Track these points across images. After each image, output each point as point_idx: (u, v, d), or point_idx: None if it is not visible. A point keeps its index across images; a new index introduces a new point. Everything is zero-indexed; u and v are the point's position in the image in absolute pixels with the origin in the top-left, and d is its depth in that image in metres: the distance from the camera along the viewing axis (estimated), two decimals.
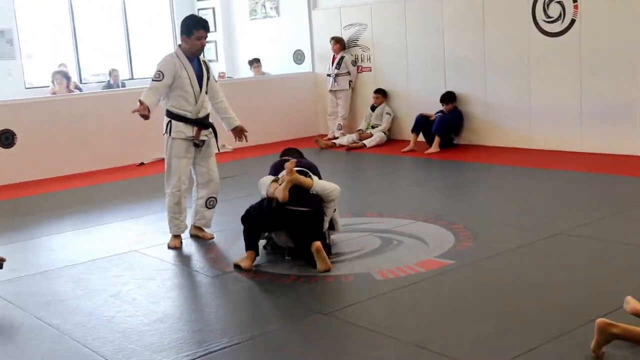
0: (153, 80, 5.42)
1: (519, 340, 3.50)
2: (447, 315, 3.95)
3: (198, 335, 3.85)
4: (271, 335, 3.80)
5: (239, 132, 5.84)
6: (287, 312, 4.15)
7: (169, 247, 5.57)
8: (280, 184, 4.95)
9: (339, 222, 5.34)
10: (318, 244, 4.75)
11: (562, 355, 3.34)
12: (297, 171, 5.01)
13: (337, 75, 10.78)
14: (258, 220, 5.01)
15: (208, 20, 5.70)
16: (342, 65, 10.75)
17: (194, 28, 5.46)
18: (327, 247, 4.96)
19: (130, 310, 4.28)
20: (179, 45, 5.57)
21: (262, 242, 5.24)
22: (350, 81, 10.78)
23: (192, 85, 5.49)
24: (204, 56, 5.73)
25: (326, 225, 5.10)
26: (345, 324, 3.85)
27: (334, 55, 10.84)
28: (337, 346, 3.62)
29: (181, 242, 5.64)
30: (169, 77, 5.41)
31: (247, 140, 5.91)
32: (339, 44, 10.78)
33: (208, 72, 5.66)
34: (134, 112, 5.31)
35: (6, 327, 4.14)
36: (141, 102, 5.30)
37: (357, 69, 10.85)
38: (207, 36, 5.54)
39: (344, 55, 10.76)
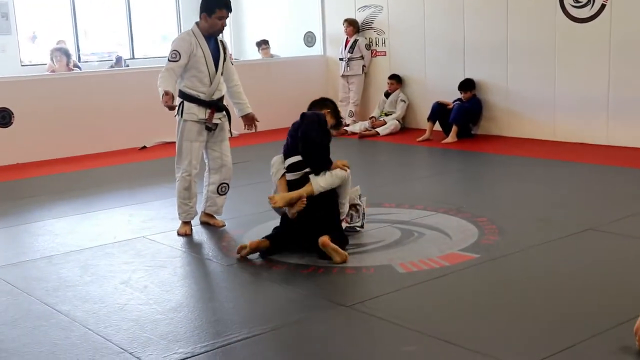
0: (169, 60, 5.18)
1: (551, 338, 3.36)
2: (474, 310, 3.80)
3: (215, 325, 3.68)
4: (293, 327, 3.64)
5: (250, 119, 5.64)
6: (308, 303, 3.97)
7: (179, 234, 5.37)
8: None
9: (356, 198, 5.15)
10: (323, 239, 4.53)
11: (597, 356, 3.17)
12: (297, 180, 4.79)
13: (349, 59, 10.49)
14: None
15: None
16: (356, 49, 10.46)
17: (217, 7, 5.22)
18: (342, 238, 4.76)
19: (142, 298, 4.09)
20: (197, 23, 5.33)
21: None
22: (363, 66, 10.50)
23: (207, 65, 5.27)
24: (222, 36, 5.49)
25: (346, 208, 4.96)
26: (369, 317, 3.71)
27: (347, 38, 10.54)
28: (362, 339, 3.49)
29: (191, 229, 5.44)
30: (185, 57, 5.19)
31: (256, 130, 5.68)
32: (352, 26, 10.48)
33: (225, 52, 5.43)
34: (164, 104, 5.08)
35: (14, 313, 3.96)
36: (166, 92, 5.06)
37: (372, 53, 10.58)
38: (228, 16, 5.32)
39: (358, 38, 10.47)
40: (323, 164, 4.82)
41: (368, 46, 10.53)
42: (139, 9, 13.04)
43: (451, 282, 4.21)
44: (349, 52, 10.49)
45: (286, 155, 4.94)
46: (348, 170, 4.88)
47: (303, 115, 4.99)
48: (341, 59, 10.65)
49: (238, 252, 4.74)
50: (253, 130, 5.70)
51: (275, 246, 4.75)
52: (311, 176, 4.78)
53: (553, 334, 3.43)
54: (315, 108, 5.08)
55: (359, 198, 5.20)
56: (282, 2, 12.03)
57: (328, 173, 4.80)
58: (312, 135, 4.82)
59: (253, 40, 12.13)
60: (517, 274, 4.33)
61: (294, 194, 4.72)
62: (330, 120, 5.01)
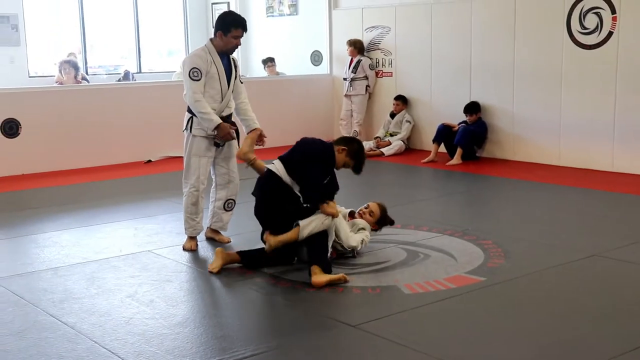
0: (192, 79, 5.18)
1: None
2: (480, 333, 3.80)
3: (221, 341, 3.68)
4: (299, 345, 3.64)
5: (259, 135, 5.62)
6: (314, 322, 3.97)
7: (184, 249, 5.37)
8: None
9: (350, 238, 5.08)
10: (315, 280, 4.49)
11: None
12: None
13: (352, 79, 10.54)
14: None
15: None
16: (359, 69, 10.50)
17: (233, 26, 5.26)
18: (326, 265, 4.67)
19: (148, 312, 4.08)
20: (211, 40, 5.35)
21: None
22: (367, 86, 10.53)
23: (220, 82, 5.29)
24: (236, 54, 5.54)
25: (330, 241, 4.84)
26: (374, 337, 3.70)
27: (351, 58, 10.61)
28: None
29: (197, 245, 5.44)
30: (204, 74, 5.22)
31: (263, 145, 5.68)
32: (354, 47, 10.50)
33: (236, 70, 5.46)
34: (225, 139, 5.31)
35: (20, 324, 3.95)
36: (219, 126, 5.22)
37: (378, 74, 10.61)
38: (243, 35, 5.36)
39: (361, 58, 10.51)
40: (314, 201, 4.77)
41: (372, 66, 10.56)
42: (147, 23, 13.12)
43: (457, 304, 4.21)
44: (352, 72, 10.54)
45: (283, 160, 4.96)
46: (334, 219, 4.80)
47: (311, 142, 5.06)
48: (345, 79, 10.70)
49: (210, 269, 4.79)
50: (261, 146, 5.70)
51: (247, 263, 4.86)
52: (301, 223, 4.69)
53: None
54: (340, 144, 5.02)
55: (362, 243, 5.11)
56: (290, 20, 12.10)
57: (316, 220, 4.71)
58: (312, 173, 4.83)
59: (259, 58, 12.18)
60: (523, 298, 4.32)
61: (285, 237, 4.69)
62: (344, 159, 4.95)
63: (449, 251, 5.22)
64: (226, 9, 12.83)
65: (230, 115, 5.47)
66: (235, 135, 5.46)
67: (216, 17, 5.52)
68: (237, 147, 5.60)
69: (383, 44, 10.50)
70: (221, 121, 5.22)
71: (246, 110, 5.58)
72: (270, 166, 4.95)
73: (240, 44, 5.40)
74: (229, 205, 5.59)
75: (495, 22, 9.11)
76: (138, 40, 12.97)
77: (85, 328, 3.84)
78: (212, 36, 5.37)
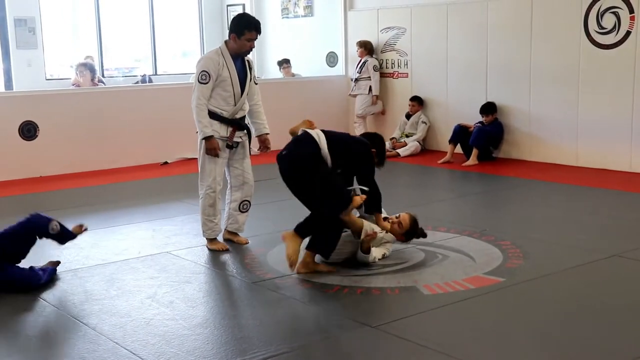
0: (200, 82, 5.19)
1: None
2: (500, 334, 3.80)
3: (242, 342, 3.69)
4: (319, 346, 3.66)
5: (263, 141, 5.68)
6: (333, 323, 3.96)
7: (211, 250, 5.37)
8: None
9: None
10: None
11: None
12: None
13: (357, 79, 10.59)
14: None
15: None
16: (364, 69, 10.52)
17: (246, 29, 5.26)
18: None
19: (168, 313, 4.10)
20: (225, 42, 5.36)
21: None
22: (370, 86, 10.55)
23: (233, 86, 5.29)
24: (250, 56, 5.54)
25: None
26: (394, 339, 3.70)
27: (359, 59, 10.65)
28: None
29: (223, 244, 5.45)
30: (213, 77, 5.22)
31: (267, 151, 5.74)
32: (363, 48, 10.54)
33: (251, 72, 5.46)
34: (209, 153, 5.28)
35: (43, 325, 4.00)
36: (209, 139, 5.20)
37: (393, 75, 10.58)
38: (257, 38, 5.36)
39: (368, 59, 10.53)
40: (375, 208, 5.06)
41: (376, 68, 10.54)
42: (162, 26, 13.18)
43: (476, 305, 4.20)
44: (357, 72, 10.59)
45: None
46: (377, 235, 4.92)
47: (363, 143, 5.05)
48: (352, 79, 10.78)
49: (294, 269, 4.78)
50: (266, 151, 5.72)
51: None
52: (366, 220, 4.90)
53: None
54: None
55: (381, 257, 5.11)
56: (305, 22, 12.11)
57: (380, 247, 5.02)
58: (371, 176, 5.02)
59: (275, 59, 12.19)
60: (542, 299, 4.30)
61: (352, 221, 4.83)
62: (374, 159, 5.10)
63: (467, 252, 5.21)
64: (241, 11, 12.87)
65: (244, 117, 5.48)
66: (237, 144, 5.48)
67: (231, 19, 5.51)
68: (250, 148, 5.60)
69: (398, 45, 10.49)
70: (211, 134, 5.20)
71: (259, 114, 5.58)
72: (311, 132, 4.97)
73: (254, 47, 5.39)
74: (244, 206, 5.59)
75: (512, 22, 9.07)
76: (154, 42, 13.02)
77: (106, 329, 3.87)
78: (227, 38, 5.37)
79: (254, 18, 5.48)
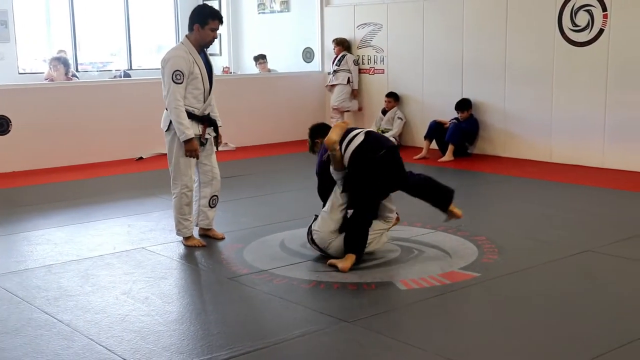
0: (175, 82, 5.08)
1: (552, 359, 3.38)
2: (475, 328, 3.83)
3: (218, 338, 3.67)
4: (295, 342, 3.64)
5: (219, 136, 5.58)
6: (310, 318, 3.96)
7: (188, 246, 5.32)
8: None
9: None
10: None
11: None
12: None
13: (335, 71, 10.66)
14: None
15: None
16: (343, 62, 10.59)
17: (210, 17, 5.19)
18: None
19: (144, 309, 4.07)
20: (187, 36, 5.25)
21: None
22: (349, 77, 10.58)
23: (203, 82, 5.23)
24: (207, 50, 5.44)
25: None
26: (371, 334, 3.71)
27: (336, 55, 10.69)
28: (365, 356, 3.50)
29: (200, 240, 5.42)
30: (186, 75, 5.13)
31: (217, 150, 5.60)
32: (340, 45, 10.63)
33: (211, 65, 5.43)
34: (190, 155, 5.20)
35: (15, 322, 3.93)
36: (190, 141, 5.12)
37: (369, 71, 10.63)
38: (219, 28, 5.30)
39: (346, 53, 10.62)
40: None
41: (356, 62, 10.63)
42: (137, 19, 13.05)
43: (452, 300, 4.24)
44: (336, 65, 10.65)
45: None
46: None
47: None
48: (329, 73, 10.84)
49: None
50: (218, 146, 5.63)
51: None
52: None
53: (552, 355, 3.44)
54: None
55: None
56: (282, 17, 12.08)
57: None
58: None
59: (251, 55, 12.15)
60: (517, 294, 4.34)
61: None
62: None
63: (443, 247, 5.24)
64: (217, 5, 12.80)
65: (209, 114, 5.39)
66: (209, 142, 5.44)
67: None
68: (214, 144, 5.53)
69: (375, 41, 10.51)
70: (193, 137, 5.14)
71: (214, 106, 5.48)
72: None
73: (216, 37, 5.32)
74: (213, 201, 5.55)
75: (487, 19, 9.13)
76: (129, 36, 12.89)
77: (80, 325, 3.83)
78: (188, 32, 5.26)
79: (214, 8, 5.41)
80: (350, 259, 4.73)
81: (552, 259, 4.91)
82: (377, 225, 4.99)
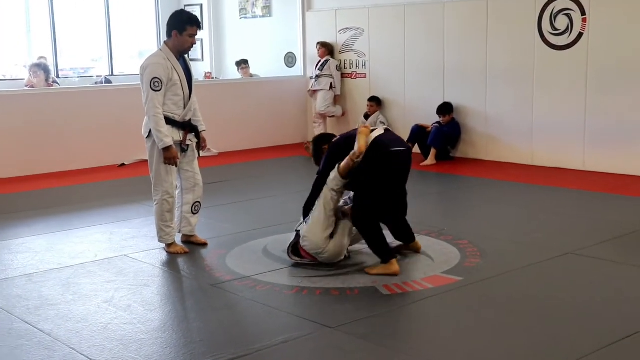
0: (153, 89, 5.05)
1: None
2: (459, 333, 3.84)
3: (201, 346, 3.66)
4: (278, 348, 3.63)
5: (203, 140, 5.56)
6: (293, 324, 3.96)
7: (170, 252, 5.30)
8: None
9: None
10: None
11: None
12: None
13: (318, 76, 10.66)
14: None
15: None
16: (326, 67, 10.61)
17: (188, 24, 5.17)
18: None
19: (126, 317, 4.05)
20: (165, 43, 5.24)
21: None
22: (331, 83, 10.60)
23: (182, 89, 5.21)
24: (188, 55, 5.42)
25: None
26: (354, 339, 3.71)
27: (319, 59, 10.70)
28: None
29: (183, 247, 5.40)
30: (165, 82, 5.10)
31: (199, 155, 5.58)
32: (325, 48, 10.65)
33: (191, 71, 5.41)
34: (169, 163, 5.17)
35: None
36: (169, 149, 5.09)
37: (351, 75, 10.65)
38: (197, 34, 5.28)
39: (329, 58, 10.63)
40: None
41: (339, 68, 10.65)
42: (118, 25, 13.00)
43: (435, 304, 4.24)
44: (319, 69, 10.66)
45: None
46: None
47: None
48: (311, 77, 10.83)
49: None
50: (203, 150, 5.61)
51: None
52: None
53: (535, 358, 3.46)
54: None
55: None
56: (264, 22, 12.08)
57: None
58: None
59: (233, 60, 12.13)
60: (499, 297, 4.36)
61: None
62: None
63: (426, 251, 5.24)
64: (199, 10, 12.79)
65: (190, 120, 5.38)
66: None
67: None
68: (196, 150, 5.51)
69: (357, 46, 10.53)
70: (172, 144, 5.12)
71: (196, 110, 5.46)
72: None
73: (195, 43, 5.30)
74: (195, 208, 5.53)
75: (468, 23, 9.18)
76: (110, 42, 12.83)
77: (62, 335, 3.80)
78: (166, 38, 5.25)
79: (192, 13, 5.40)
80: (385, 267, 4.74)
81: (534, 262, 4.94)
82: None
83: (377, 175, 4.75)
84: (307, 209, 4.96)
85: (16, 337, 3.79)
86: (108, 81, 11.53)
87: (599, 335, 3.70)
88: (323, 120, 10.73)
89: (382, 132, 4.93)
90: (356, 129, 4.96)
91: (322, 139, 5.25)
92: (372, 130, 4.93)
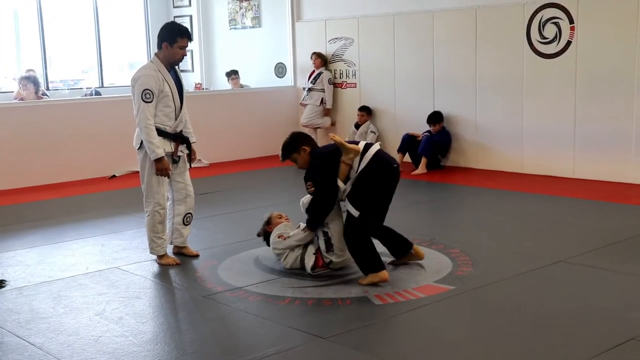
0: (144, 101, 5.06)
1: None
2: (451, 342, 3.84)
3: (193, 358, 3.67)
4: (272, 358, 3.64)
5: (192, 152, 5.57)
6: (286, 335, 3.95)
7: (162, 264, 5.29)
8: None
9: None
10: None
11: None
12: None
13: (310, 89, 10.69)
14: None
15: None
16: (318, 81, 10.64)
17: (178, 35, 5.19)
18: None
19: (117, 330, 4.03)
20: (156, 54, 5.25)
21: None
22: (322, 98, 10.63)
23: (174, 100, 5.22)
24: (178, 66, 5.44)
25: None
26: (347, 350, 3.71)
27: (312, 70, 10.71)
28: None
29: (174, 258, 5.38)
30: (156, 94, 5.11)
31: (190, 166, 5.58)
32: (320, 59, 10.67)
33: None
34: (161, 174, 5.17)
35: None
36: (160, 160, 5.09)
37: (342, 85, 10.68)
38: (188, 45, 5.29)
39: (322, 71, 10.64)
40: None
41: (331, 81, 10.66)
42: (108, 36, 12.99)
43: (427, 313, 4.24)
44: (311, 82, 10.68)
45: None
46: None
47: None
48: (304, 89, 10.84)
49: None
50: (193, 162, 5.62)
51: None
52: None
53: None
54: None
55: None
56: (253, 33, 12.10)
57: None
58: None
59: (223, 70, 12.14)
60: (491, 306, 4.37)
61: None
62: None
63: (417, 261, 5.25)
64: (188, 22, 12.80)
65: (181, 131, 5.39)
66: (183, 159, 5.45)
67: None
68: (187, 161, 5.52)
69: (346, 55, 10.56)
70: (164, 155, 5.13)
71: (187, 122, 5.47)
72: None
73: (186, 54, 5.32)
74: (187, 219, 5.52)
75: (457, 32, 9.22)
76: (100, 53, 12.82)
77: (53, 348, 3.78)
78: (157, 50, 5.26)
79: (183, 25, 5.41)
80: (375, 275, 4.74)
81: (526, 270, 4.95)
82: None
83: (381, 189, 4.91)
84: (318, 216, 4.93)
85: (7, 351, 3.77)
86: (98, 93, 11.51)
87: (592, 342, 3.71)
88: (313, 130, 10.74)
89: (379, 147, 5.01)
90: (332, 143, 4.99)
91: (302, 140, 5.10)
92: (367, 145, 4.97)
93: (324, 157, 4.94)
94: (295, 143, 5.06)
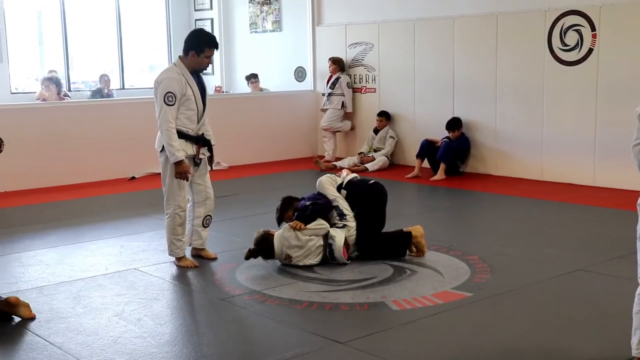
0: (167, 104, 5.10)
1: None
2: (468, 349, 3.82)
3: None
4: None
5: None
6: (303, 340, 3.95)
7: (181, 266, 5.32)
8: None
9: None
10: None
11: None
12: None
13: (330, 94, 10.70)
14: None
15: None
16: (337, 85, 10.64)
17: (207, 46, 5.24)
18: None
19: (136, 331, 4.06)
20: (180, 58, 5.29)
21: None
22: (343, 102, 10.64)
23: (196, 103, 5.26)
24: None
25: None
26: (363, 355, 3.71)
27: (330, 75, 10.73)
28: None
29: (192, 260, 5.42)
30: (178, 97, 5.15)
31: (211, 169, 5.66)
32: (336, 64, 10.66)
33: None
34: (180, 177, 5.23)
35: (6, 345, 3.91)
36: (180, 163, 5.14)
37: (361, 90, 10.69)
38: (213, 54, 5.37)
39: (340, 76, 10.64)
40: None
41: (350, 85, 10.67)
42: (130, 38, 13.09)
43: (445, 320, 4.23)
44: (330, 87, 10.69)
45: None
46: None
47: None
48: (323, 94, 10.85)
49: None
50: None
51: None
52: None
53: None
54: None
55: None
56: (274, 36, 12.14)
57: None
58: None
59: (243, 74, 12.20)
60: (509, 313, 4.35)
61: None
62: None
63: (435, 267, 5.24)
64: (209, 25, 12.87)
65: (203, 134, 5.42)
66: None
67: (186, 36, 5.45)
68: (208, 164, 5.55)
69: (366, 60, 10.57)
70: (184, 159, 5.16)
71: (206, 127, 5.48)
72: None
73: (211, 63, 5.38)
74: (206, 221, 5.56)
75: (478, 38, 9.20)
76: (121, 55, 12.92)
77: (72, 348, 3.82)
78: (182, 54, 5.30)
79: (212, 35, 5.48)
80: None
81: (544, 278, 4.93)
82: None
83: (369, 207, 5.62)
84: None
85: (27, 350, 3.81)
86: (99, 92, 11.56)
87: (612, 352, 3.68)
88: (333, 135, 10.76)
89: (353, 176, 5.76)
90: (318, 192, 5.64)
91: (287, 205, 5.66)
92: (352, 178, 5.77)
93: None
94: (282, 212, 5.70)
